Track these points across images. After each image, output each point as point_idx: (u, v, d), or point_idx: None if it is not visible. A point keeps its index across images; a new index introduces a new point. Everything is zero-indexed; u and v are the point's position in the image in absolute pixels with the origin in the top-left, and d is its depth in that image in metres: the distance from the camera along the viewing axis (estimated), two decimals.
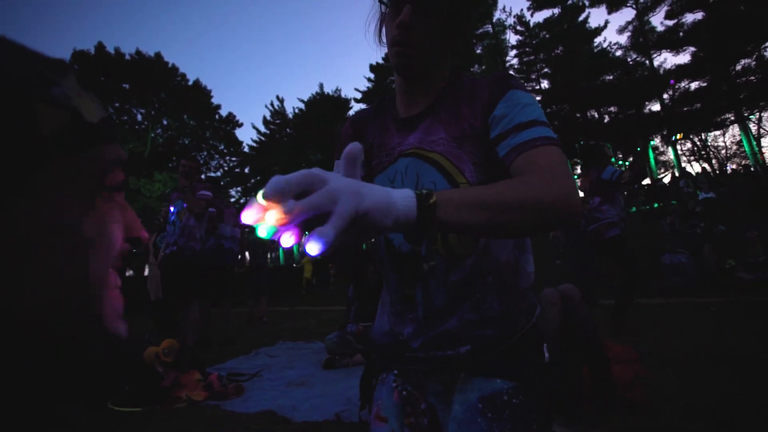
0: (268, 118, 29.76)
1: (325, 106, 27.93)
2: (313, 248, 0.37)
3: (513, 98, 0.68)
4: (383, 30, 0.76)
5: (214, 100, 28.81)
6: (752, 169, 16.01)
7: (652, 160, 23.31)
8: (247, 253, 6.81)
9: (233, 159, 29.82)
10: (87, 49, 24.71)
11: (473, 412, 0.66)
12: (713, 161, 23.75)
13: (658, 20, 31.39)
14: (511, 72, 0.88)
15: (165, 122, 26.45)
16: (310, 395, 2.87)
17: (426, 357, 0.72)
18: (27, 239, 0.26)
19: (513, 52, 26.43)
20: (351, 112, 28.58)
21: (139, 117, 25.54)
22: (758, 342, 2.87)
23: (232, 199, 29.59)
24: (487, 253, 0.71)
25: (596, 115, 23.75)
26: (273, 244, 8.25)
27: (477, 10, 0.73)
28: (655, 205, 14.73)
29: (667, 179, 20.57)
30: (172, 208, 3.93)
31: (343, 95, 29.00)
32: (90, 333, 0.29)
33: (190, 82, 27.75)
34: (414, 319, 0.73)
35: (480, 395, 0.67)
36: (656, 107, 22.94)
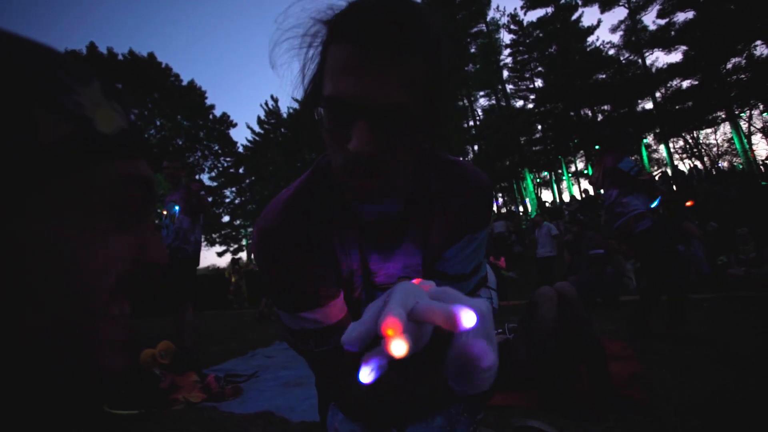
0: (263, 117, 29.65)
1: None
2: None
3: (474, 242, 0.69)
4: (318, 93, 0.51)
5: (208, 101, 28.71)
6: (741, 166, 16.20)
7: (645, 159, 23.51)
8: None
9: (228, 159, 29.70)
10: (79, 49, 24.48)
11: None
12: (705, 159, 23.99)
13: (650, 19, 31.64)
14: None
15: (158, 123, 26.28)
16: (307, 395, 2.87)
17: None
18: (9, 259, 0.23)
19: (507, 51, 26.55)
20: None
21: (132, 117, 25.33)
22: (753, 338, 2.91)
23: (227, 200, 29.46)
24: None
25: (590, 114, 23.89)
26: None
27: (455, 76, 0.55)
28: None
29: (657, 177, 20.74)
30: (164, 212, 3.91)
31: None
32: (77, 365, 0.27)
33: (184, 83, 27.61)
34: None
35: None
36: (649, 105, 23.16)
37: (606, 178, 3.39)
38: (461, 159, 0.68)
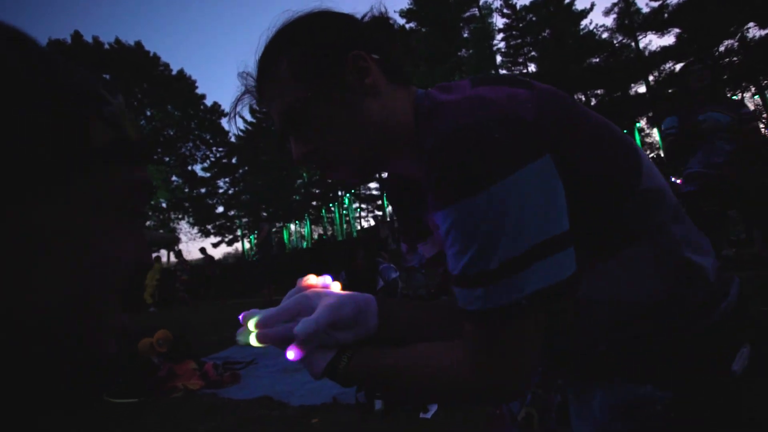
0: (255, 107, 29.28)
1: None
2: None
3: (444, 224, 0.47)
4: None
5: (199, 90, 28.29)
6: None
7: (638, 142, 23.54)
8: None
9: (220, 149, 29.40)
10: (63, 38, 23.95)
11: (612, 417, 0.55)
12: None
13: (643, 2, 31.47)
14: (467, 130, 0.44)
15: (148, 113, 25.89)
16: (306, 380, 2.90)
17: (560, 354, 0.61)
18: (47, 243, 0.26)
19: (500, 36, 26.30)
20: None
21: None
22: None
23: (221, 190, 29.26)
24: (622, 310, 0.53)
25: (583, 98, 23.85)
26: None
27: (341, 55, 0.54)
28: None
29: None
30: None
31: None
32: (83, 345, 0.30)
33: (174, 72, 27.13)
34: None
35: (623, 399, 0.54)
36: (642, 89, 23.14)
37: None
38: (462, 97, 0.50)
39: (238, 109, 0.65)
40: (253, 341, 0.54)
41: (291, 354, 0.52)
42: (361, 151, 0.57)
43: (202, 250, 12.59)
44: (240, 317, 0.57)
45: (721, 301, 0.53)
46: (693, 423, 0.51)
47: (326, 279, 0.61)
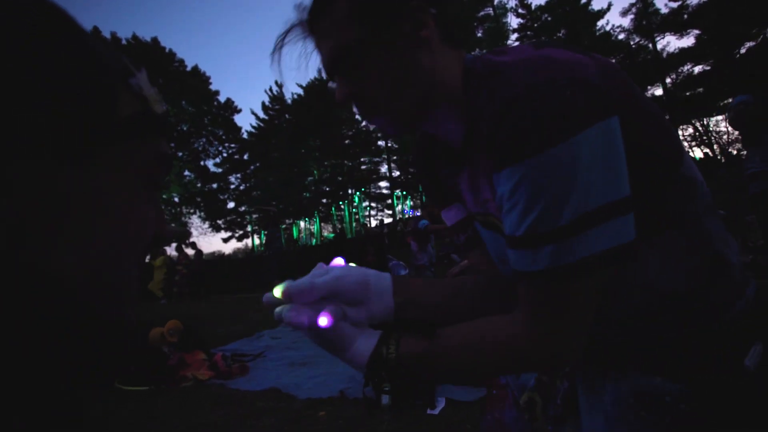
0: (267, 103, 29.52)
1: (325, 92, 27.61)
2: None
3: (508, 183, 0.46)
4: None
5: (213, 86, 28.56)
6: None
7: None
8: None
9: (232, 146, 29.67)
10: None
11: (624, 408, 0.55)
12: (714, 146, 23.65)
13: (662, 2, 30.93)
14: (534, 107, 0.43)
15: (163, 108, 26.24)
16: (313, 374, 2.92)
17: None
18: (75, 206, 0.27)
19: (514, 36, 26.05)
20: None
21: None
22: None
23: (232, 186, 29.54)
24: (651, 297, 0.53)
25: None
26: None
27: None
28: None
29: None
30: None
31: None
32: (110, 311, 0.31)
33: (189, 68, 27.45)
34: None
35: (635, 390, 0.55)
36: (659, 92, 22.75)
37: None
38: (529, 57, 0.50)
39: (285, 40, 0.60)
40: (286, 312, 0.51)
41: (323, 320, 0.48)
42: (405, 102, 0.57)
43: (193, 244, 12.63)
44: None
45: (738, 300, 0.53)
46: (702, 417, 0.51)
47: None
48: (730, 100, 3.15)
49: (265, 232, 9.31)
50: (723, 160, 17.87)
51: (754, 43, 18.34)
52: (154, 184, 0.34)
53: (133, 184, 0.31)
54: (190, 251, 11.81)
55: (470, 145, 0.58)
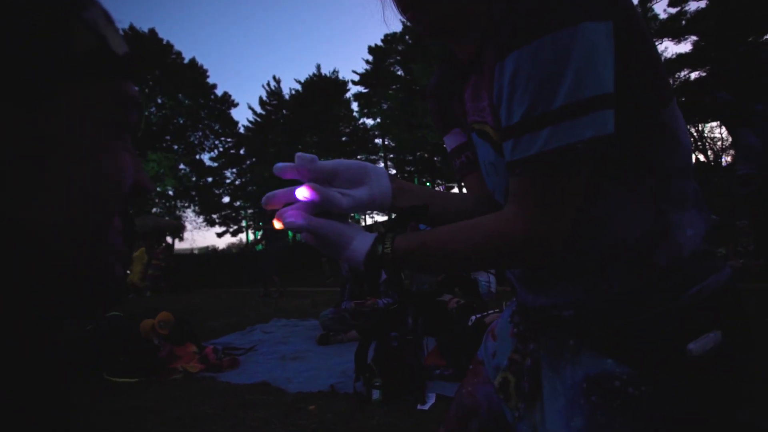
0: (265, 98, 29.35)
1: (322, 87, 27.54)
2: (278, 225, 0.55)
3: (506, 72, 0.48)
4: None
5: (210, 80, 28.36)
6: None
7: None
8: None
9: (228, 140, 29.49)
10: None
11: (576, 391, 0.56)
12: (709, 152, 23.83)
13: (661, 8, 31.04)
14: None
15: (159, 101, 26.02)
16: (304, 368, 2.91)
17: (538, 311, 0.64)
18: (44, 153, 0.25)
19: None
20: (348, 95, 28.22)
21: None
22: (750, 328, 2.91)
23: (228, 181, 29.38)
24: (604, 236, 0.54)
25: None
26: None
27: None
28: None
29: None
30: None
31: (340, 77, 28.55)
32: (90, 264, 0.28)
33: (186, 61, 27.23)
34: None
35: (586, 373, 0.56)
36: None
37: None
38: None
39: None
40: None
41: (303, 191, 0.55)
42: (448, 7, 0.57)
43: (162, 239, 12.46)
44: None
45: (694, 285, 0.52)
46: (652, 402, 0.51)
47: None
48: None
49: (264, 227, 9.19)
50: (715, 165, 18.00)
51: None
52: (126, 130, 0.31)
53: (101, 129, 0.28)
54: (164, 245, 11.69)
55: (482, 49, 0.59)
